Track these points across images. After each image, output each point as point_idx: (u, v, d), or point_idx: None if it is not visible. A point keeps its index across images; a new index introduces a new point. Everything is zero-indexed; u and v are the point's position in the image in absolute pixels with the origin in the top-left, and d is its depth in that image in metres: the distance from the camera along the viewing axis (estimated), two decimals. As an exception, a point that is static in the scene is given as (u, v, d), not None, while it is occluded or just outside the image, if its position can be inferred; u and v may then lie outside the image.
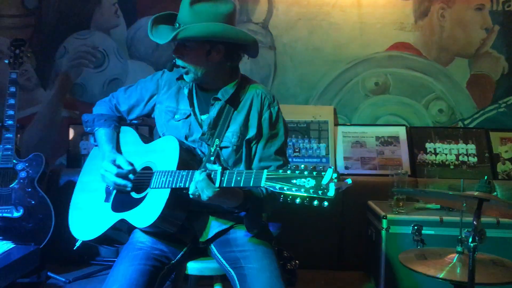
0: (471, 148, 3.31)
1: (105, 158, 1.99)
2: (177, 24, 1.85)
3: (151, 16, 1.91)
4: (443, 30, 3.39)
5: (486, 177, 1.76)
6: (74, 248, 2.07)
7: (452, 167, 3.27)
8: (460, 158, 3.29)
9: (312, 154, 3.30)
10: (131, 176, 1.95)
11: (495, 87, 3.38)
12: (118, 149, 2.10)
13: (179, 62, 1.91)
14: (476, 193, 1.69)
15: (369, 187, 3.07)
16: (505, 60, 3.37)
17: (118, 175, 1.92)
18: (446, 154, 3.30)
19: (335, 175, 1.44)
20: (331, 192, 1.43)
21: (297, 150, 3.31)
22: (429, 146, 3.33)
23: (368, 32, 3.41)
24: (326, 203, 1.45)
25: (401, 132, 3.37)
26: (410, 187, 2.92)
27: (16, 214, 2.73)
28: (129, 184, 1.93)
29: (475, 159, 3.28)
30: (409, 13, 3.39)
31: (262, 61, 3.44)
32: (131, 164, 1.97)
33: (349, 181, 1.45)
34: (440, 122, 3.41)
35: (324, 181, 1.44)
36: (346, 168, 3.28)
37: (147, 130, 3.33)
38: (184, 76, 1.95)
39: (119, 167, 1.95)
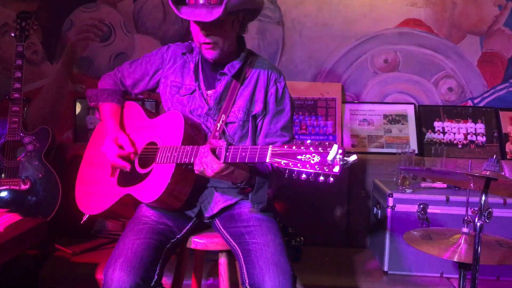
0: (480, 127, 3.27)
1: (107, 135, 1.99)
2: (203, 0, 1.79)
3: None
4: (455, 6, 3.32)
5: (495, 156, 1.74)
6: (82, 222, 2.10)
7: (460, 146, 3.25)
8: (469, 137, 3.26)
9: (319, 131, 3.28)
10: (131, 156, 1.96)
11: (506, 65, 3.32)
12: (122, 124, 2.10)
13: (209, 38, 1.84)
14: (484, 172, 1.67)
15: (375, 165, 3.05)
16: (518, 38, 3.30)
17: (119, 155, 1.93)
18: (454, 133, 3.27)
19: (340, 151, 1.43)
20: (337, 168, 1.43)
21: (304, 127, 3.29)
22: (437, 124, 3.30)
23: (378, 8, 3.34)
24: (331, 179, 1.45)
25: (409, 110, 3.34)
26: (417, 166, 2.91)
27: (23, 187, 2.75)
28: (128, 166, 1.94)
29: (484, 139, 3.25)
30: (421, -12, 3.31)
31: (270, 37, 3.39)
32: (133, 145, 1.97)
33: (354, 157, 1.44)
34: (449, 101, 3.37)
35: (330, 157, 1.43)
36: (353, 145, 3.27)
37: (154, 105, 3.32)
38: (205, 53, 1.90)
39: (120, 146, 1.95)
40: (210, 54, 1.90)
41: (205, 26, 1.82)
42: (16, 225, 2.22)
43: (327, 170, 1.44)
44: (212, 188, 1.99)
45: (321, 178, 1.45)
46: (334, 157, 1.43)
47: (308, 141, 1.50)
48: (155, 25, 3.43)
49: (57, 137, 3.08)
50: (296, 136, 3.22)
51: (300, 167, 1.47)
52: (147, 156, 1.95)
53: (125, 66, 2.18)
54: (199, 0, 1.79)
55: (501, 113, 3.29)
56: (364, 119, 3.33)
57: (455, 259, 1.79)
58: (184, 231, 1.95)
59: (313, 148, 1.48)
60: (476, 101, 3.35)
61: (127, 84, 2.17)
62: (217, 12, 1.73)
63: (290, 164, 1.49)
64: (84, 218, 2.10)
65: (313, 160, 1.46)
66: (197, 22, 1.81)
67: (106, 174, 2.07)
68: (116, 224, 2.99)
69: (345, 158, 1.43)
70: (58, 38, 3.46)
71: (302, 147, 1.49)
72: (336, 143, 1.45)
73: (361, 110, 3.35)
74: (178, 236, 1.92)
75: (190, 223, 1.98)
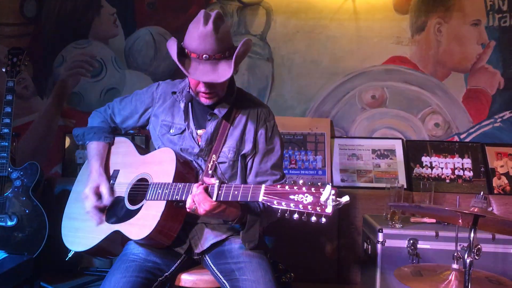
0: (467, 162, 3.32)
1: (89, 182, 1.99)
2: (206, 56, 1.76)
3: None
4: (440, 44, 3.42)
5: (482, 192, 1.76)
6: (66, 259, 2.06)
7: (448, 181, 3.28)
8: (456, 172, 3.30)
9: (309, 166, 3.30)
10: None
11: (491, 102, 3.40)
12: (111, 160, 2.09)
13: (210, 89, 1.85)
14: (472, 209, 1.69)
15: (365, 199, 3.06)
16: (501, 75, 3.39)
17: (96, 207, 1.95)
18: (442, 168, 3.31)
19: (333, 191, 1.44)
20: (329, 209, 1.44)
21: (293, 162, 3.31)
22: (425, 159, 3.34)
23: (365, 46, 3.43)
24: (323, 220, 1.45)
25: (397, 145, 3.38)
26: (405, 201, 2.92)
27: (10, 223, 2.71)
28: (103, 219, 1.95)
29: (471, 173, 3.29)
30: (406, 27, 3.41)
31: (260, 73, 3.45)
32: (112, 195, 1.97)
33: (346, 198, 1.45)
34: (436, 136, 3.42)
35: (323, 198, 1.44)
36: (342, 180, 3.28)
37: (144, 140, 3.32)
38: (202, 101, 1.91)
39: (99, 198, 1.96)
40: (209, 102, 1.91)
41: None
42: (1, 262, 2.18)
43: (319, 210, 1.44)
44: (202, 224, 1.98)
45: (314, 218, 1.46)
46: (327, 198, 1.44)
47: (301, 181, 1.51)
48: (146, 61, 3.48)
49: (45, 171, 3.06)
50: (286, 171, 3.23)
51: (293, 207, 1.47)
52: (137, 192, 1.94)
53: (116, 103, 2.18)
54: (202, 55, 1.77)
55: (487, 148, 3.34)
56: (353, 154, 3.36)
57: (446, 296, 1.78)
58: (172, 268, 1.93)
59: (305, 188, 1.48)
60: (462, 136, 3.41)
61: (117, 121, 2.17)
62: (228, 71, 1.75)
63: (283, 203, 1.49)
64: (69, 255, 2.06)
65: (306, 200, 1.47)
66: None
67: (94, 210, 2.05)
68: (103, 261, 2.94)
69: (337, 198, 1.44)
70: (50, 74, 3.48)
71: (295, 187, 1.50)
72: (329, 184, 1.46)
73: (350, 145, 3.38)
74: (166, 273, 1.90)
75: (179, 260, 1.96)
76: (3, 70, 2.99)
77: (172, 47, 1.82)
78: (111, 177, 2.06)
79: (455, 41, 3.40)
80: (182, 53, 1.81)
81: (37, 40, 3.49)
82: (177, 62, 1.77)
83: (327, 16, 3.43)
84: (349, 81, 3.44)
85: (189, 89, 1.95)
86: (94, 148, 2.09)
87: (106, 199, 1.96)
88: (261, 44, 3.45)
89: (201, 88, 1.86)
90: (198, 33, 1.75)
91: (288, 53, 3.46)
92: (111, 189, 1.99)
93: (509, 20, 3.38)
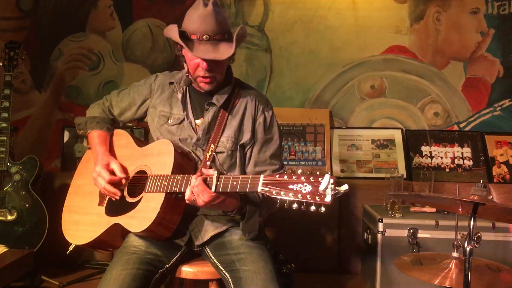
0: (467, 151, 3.31)
1: (98, 161, 1.98)
2: (207, 36, 1.80)
3: (169, 28, 1.88)
4: (439, 33, 3.40)
5: (481, 180, 1.75)
6: (67, 252, 2.06)
7: (447, 170, 3.28)
8: (456, 161, 3.30)
9: (308, 157, 3.30)
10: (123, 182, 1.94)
11: (490, 90, 3.39)
12: (111, 152, 2.09)
13: (210, 73, 1.87)
14: (471, 197, 1.69)
15: (365, 190, 3.06)
16: (500, 63, 3.37)
17: (110, 181, 1.92)
18: (441, 157, 3.31)
19: (332, 180, 1.44)
20: (328, 198, 1.44)
21: (293, 153, 3.30)
22: (424, 149, 3.33)
23: (364, 35, 3.41)
24: (323, 209, 1.45)
25: (397, 135, 3.37)
26: (405, 190, 2.92)
27: (10, 218, 2.71)
28: (119, 193, 1.93)
29: (471, 162, 3.29)
30: (405, 16, 3.39)
31: (258, 64, 3.43)
32: (125, 171, 1.95)
33: (345, 186, 1.44)
34: (436, 125, 3.41)
35: (321, 187, 1.44)
36: (342, 171, 3.28)
37: (143, 133, 3.32)
38: (202, 86, 1.92)
39: (112, 172, 1.94)
40: (208, 87, 1.92)
41: (211, 63, 1.84)
42: (2, 257, 2.18)
43: (318, 199, 1.44)
44: (202, 216, 1.98)
45: (313, 207, 1.46)
46: (326, 187, 1.43)
47: (299, 171, 1.50)
48: (144, 53, 3.47)
49: (44, 166, 3.05)
50: (285, 162, 3.23)
51: (292, 196, 1.47)
52: (137, 185, 1.94)
53: (113, 95, 2.19)
54: (202, 35, 1.80)
55: (486, 137, 3.33)
56: (353, 145, 3.36)
57: (447, 284, 1.78)
58: (173, 260, 1.93)
59: (304, 178, 1.48)
60: (461, 125, 3.40)
61: (115, 113, 2.17)
62: (229, 50, 1.79)
63: (282, 193, 1.49)
64: (70, 248, 2.07)
65: (305, 189, 1.47)
66: (206, 59, 1.82)
67: (93, 203, 2.05)
68: (104, 254, 2.94)
69: (336, 187, 1.44)
70: (47, 67, 3.47)
71: (293, 177, 1.50)
72: (328, 173, 1.46)
73: (349, 135, 3.37)
74: (167, 265, 1.90)
75: (180, 252, 1.96)
76: (0, 64, 2.97)
77: (172, 29, 1.85)
78: None
79: (454, 30, 3.38)
80: (182, 36, 1.82)
81: (34, 34, 3.47)
82: (180, 42, 1.80)
83: (325, 5, 3.41)
84: (348, 71, 3.42)
85: (187, 73, 1.95)
86: (98, 136, 2.10)
87: (120, 173, 1.94)
88: (259, 35, 3.43)
89: (200, 72, 1.87)
90: (198, 14, 1.79)
91: (286, 43, 3.44)
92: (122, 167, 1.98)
93: (508, 7, 3.36)
